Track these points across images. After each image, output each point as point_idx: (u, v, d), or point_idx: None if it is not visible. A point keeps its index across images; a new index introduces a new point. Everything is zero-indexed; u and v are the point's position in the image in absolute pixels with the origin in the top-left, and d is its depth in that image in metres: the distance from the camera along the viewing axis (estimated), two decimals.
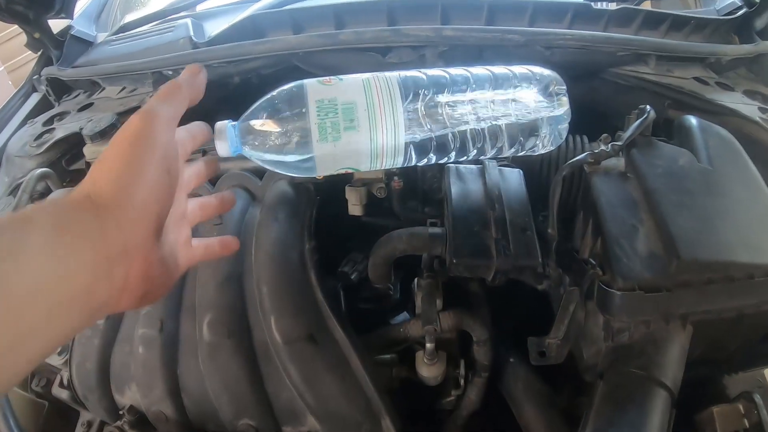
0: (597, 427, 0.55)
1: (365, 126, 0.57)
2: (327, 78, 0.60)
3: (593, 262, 0.63)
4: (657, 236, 0.61)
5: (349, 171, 0.62)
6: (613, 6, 0.88)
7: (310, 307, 0.60)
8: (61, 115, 1.00)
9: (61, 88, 1.07)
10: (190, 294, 0.67)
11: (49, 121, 0.99)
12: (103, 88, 1.01)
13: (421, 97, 0.60)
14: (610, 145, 0.68)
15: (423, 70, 0.62)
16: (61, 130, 0.94)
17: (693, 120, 0.76)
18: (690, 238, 0.60)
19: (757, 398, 0.61)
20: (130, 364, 0.68)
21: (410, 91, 0.59)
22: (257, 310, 0.62)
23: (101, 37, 1.12)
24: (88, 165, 0.92)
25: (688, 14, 0.92)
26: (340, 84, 0.59)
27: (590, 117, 0.73)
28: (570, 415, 0.71)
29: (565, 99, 0.67)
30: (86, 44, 1.10)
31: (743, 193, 0.68)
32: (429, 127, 0.61)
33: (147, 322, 0.67)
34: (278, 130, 0.59)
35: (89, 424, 0.84)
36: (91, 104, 0.98)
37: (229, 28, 0.87)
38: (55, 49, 1.08)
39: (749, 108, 0.84)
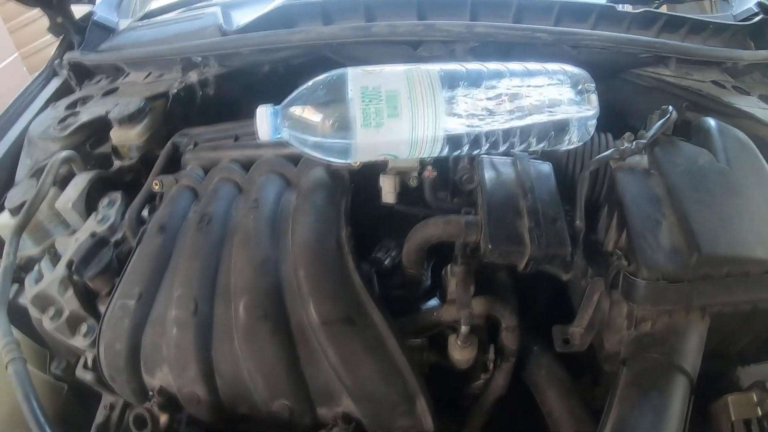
0: (621, 410, 0.59)
1: (407, 114, 0.60)
2: (369, 67, 0.63)
3: (619, 253, 0.67)
4: (679, 231, 0.66)
5: (388, 158, 0.66)
6: (634, 8, 0.92)
7: (348, 290, 0.63)
8: (85, 99, 1.02)
9: (82, 73, 1.09)
10: (224, 277, 0.69)
11: (73, 104, 1.02)
12: (128, 74, 1.03)
13: (460, 89, 0.64)
14: (634, 142, 0.72)
15: (462, 64, 0.65)
16: (87, 114, 0.96)
17: (712, 122, 0.81)
18: (710, 234, 0.65)
19: None
20: (161, 346, 0.69)
21: (450, 83, 0.63)
22: (294, 294, 0.65)
23: (123, 24, 1.14)
24: (115, 149, 0.94)
25: (706, 19, 0.97)
26: (383, 73, 0.62)
27: (608, 116, 0.77)
28: (588, 404, 0.75)
29: (594, 97, 0.71)
30: (108, 30, 1.12)
31: (759, 192, 0.72)
32: (466, 119, 0.64)
33: (181, 304, 0.68)
34: (321, 115, 0.62)
35: (112, 407, 0.85)
36: (116, 89, 1.00)
37: (260, 17, 0.91)
38: (77, 34, 1.10)
39: (764, 112, 0.89)
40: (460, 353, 0.65)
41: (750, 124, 0.88)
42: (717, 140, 0.78)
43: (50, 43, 1.16)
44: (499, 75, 0.66)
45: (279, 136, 0.65)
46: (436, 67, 0.63)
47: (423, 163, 0.71)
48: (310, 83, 0.64)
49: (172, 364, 0.68)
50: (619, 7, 0.91)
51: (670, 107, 0.76)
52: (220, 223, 0.73)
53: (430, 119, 0.61)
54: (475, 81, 0.65)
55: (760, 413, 0.65)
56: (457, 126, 0.64)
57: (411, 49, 0.83)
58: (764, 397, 0.66)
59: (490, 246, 0.61)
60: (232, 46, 0.86)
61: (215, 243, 0.72)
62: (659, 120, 0.76)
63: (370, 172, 0.74)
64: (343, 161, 0.65)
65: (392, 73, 0.62)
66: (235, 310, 0.66)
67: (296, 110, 0.64)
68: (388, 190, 0.71)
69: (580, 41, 0.82)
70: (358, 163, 0.71)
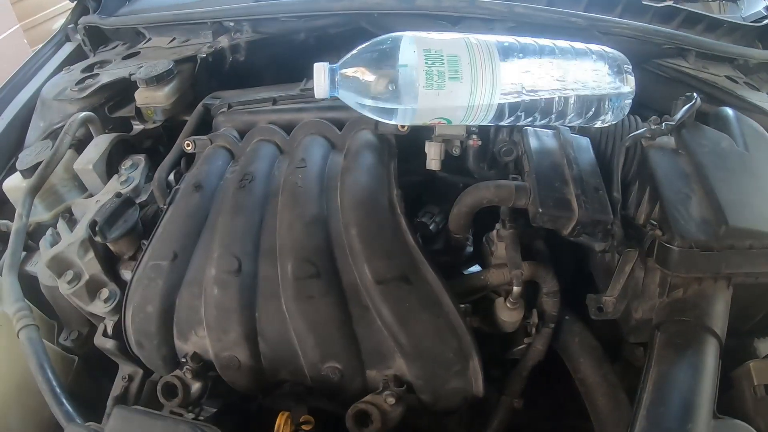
0: (660, 369, 0.64)
1: (468, 79, 0.64)
2: (429, 32, 0.66)
3: (654, 223, 0.72)
4: (707, 204, 0.71)
5: (442, 122, 0.69)
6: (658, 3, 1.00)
7: (402, 249, 0.65)
8: (102, 64, 1.01)
9: (98, 38, 1.08)
10: (268, 237, 0.69)
11: (89, 68, 1.00)
12: (149, 39, 1.03)
13: (514, 60, 0.68)
14: (664, 124, 0.78)
15: (516, 37, 0.70)
16: (107, 75, 0.95)
17: (730, 111, 0.88)
18: (735, 209, 0.71)
19: None
20: (199, 308, 0.67)
21: (506, 53, 0.67)
22: (345, 253, 0.66)
23: None
24: (138, 111, 0.94)
25: (721, 17, 1.05)
26: (443, 39, 0.66)
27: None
28: None
29: (631, 78, 0.77)
30: None
31: None
32: (518, 90, 0.68)
33: (222, 263, 0.67)
34: (380, 75, 0.65)
35: (131, 378, 0.83)
36: (137, 53, 1.00)
37: None
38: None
39: None
40: (509, 314, 0.68)
41: (760, 117, 0.96)
42: (735, 127, 0.85)
43: (52, 17, 1.14)
44: (548, 50, 0.71)
45: (335, 94, 0.67)
46: (492, 38, 0.67)
47: (469, 131, 0.75)
48: (369, 43, 0.67)
49: (211, 326, 0.66)
50: (643, 0, 0.97)
51: (695, 94, 0.82)
52: (263, 182, 0.74)
53: (488, 86, 0.65)
54: (527, 53, 0.69)
55: None
56: (509, 96, 0.68)
57: (450, 26, 0.87)
58: None
59: (540, 209, 0.64)
60: (270, 12, 0.88)
61: (258, 201, 0.73)
62: (684, 106, 0.82)
63: (415, 138, 0.77)
64: (398, 122, 0.67)
65: (452, 39, 0.65)
66: (282, 268, 0.66)
67: (354, 70, 0.66)
68: (433, 157, 0.74)
69: (612, 28, 0.88)
70: (406, 128, 0.74)
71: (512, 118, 0.71)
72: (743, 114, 0.91)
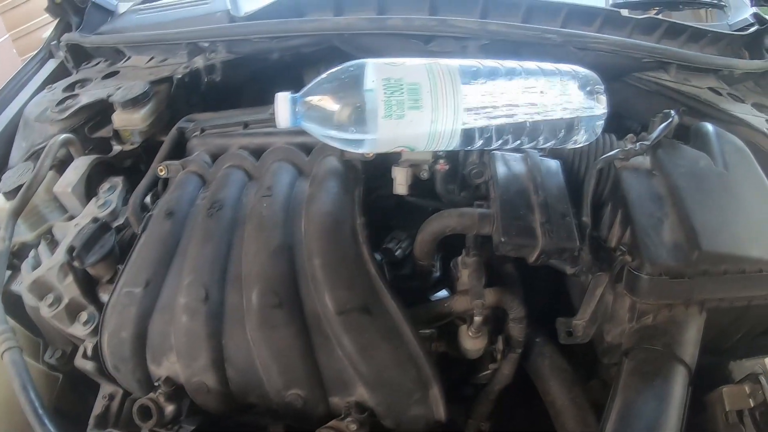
0: (626, 398, 0.62)
1: (428, 107, 0.62)
2: (391, 59, 0.65)
3: (624, 249, 0.70)
4: (680, 229, 0.69)
5: (405, 149, 0.67)
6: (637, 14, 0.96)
7: (363, 279, 0.65)
8: (83, 82, 1.01)
9: (80, 56, 1.08)
10: (235, 265, 0.70)
11: (70, 87, 1.00)
12: (129, 57, 1.02)
13: (477, 85, 0.66)
14: (638, 144, 0.76)
15: (479, 60, 0.68)
16: (86, 96, 0.95)
17: (710, 127, 0.85)
18: (710, 233, 0.69)
19: (763, 380, 0.69)
20: (170, 334, 0.68)
21: (468, 78, 0.65)
22: (308, 282, 0.65)
23: (122, 7, 1.13)
24: (116, 133, 0.93)
25: (705, 27, 1.01)
26: (405, 65, 0.64)
27: (609, 117, 0.81)
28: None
29: (603, 98, 0.74)
30: (107, 13, 1.11)
31: (754, 195, 0.77)
32: (482, 114, 0.67)
33: (191, 291, 0.68)
34: (341, 105, 0.64)
35: (111, 397, 0.84)
36: (116, 72, 0.99)
37: (270, 4, 0.91)
38: (75, 15, 1.08)
39: (758, 120, 0.94)
40: (471, 343, 0.67)
41: (744, 130, 0.93)
42: (715, 144, 0.82)
43: (41, 26, 1.14)
44: (514, 72, 0.69)
45: (297, 123, 0.66)
46: (455, 62, 0.65)
47: (436, 156, 0.73)
48: (330, 72, 0.65)
49: (181, 352, 0.67)
50: (624, 13, 0.94)
51: (672, 111, 0.80)
52: (231, 210, 0.74)
53: (450, 113, 0.63)
54: (492, 77, 0.67)
55: (752, 404, 0.69)
56: (474, 121, 0.66)
57: (422, 44, 0.85)
58: (756, 389, 0.70)
59: (503, 239, 0.63)
60: (243, 33, 0.86)
61: (226, 229, 0.72)
62: (661, 123, 0.80)
63: (382, 163, 0.76)
64: (360, 151, 0.66)
65: (414, 65, 0.63)
66: (247, 297, 0.66)
67: (316, 99, 0.65)
68: (400, 182, 0.73)
69: (588, 43, 0.85)
70: (371, 154, 0.72)
71: (480, 143, 0.69)
72: (726, 128, 0.88)
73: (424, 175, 0.74)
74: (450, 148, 0.68)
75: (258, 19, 0.89)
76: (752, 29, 1.02)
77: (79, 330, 0.82)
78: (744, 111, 0.94)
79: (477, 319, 0.64)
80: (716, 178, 0.77)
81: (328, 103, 0.64)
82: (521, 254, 0.65)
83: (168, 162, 0.83)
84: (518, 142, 0.72)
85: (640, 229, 0.69)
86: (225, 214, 0.73)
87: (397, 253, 0.74)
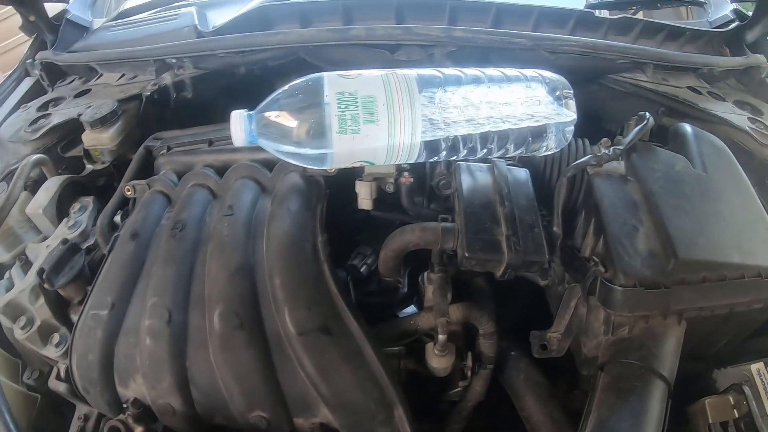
0: (600, 414, 0.58)
1: (384, 120, 0.58)
2: (346, 72, 0.61)
3: (596, 259, 0.66)
4: (656, 236, 0.65)
5: (364, 164, 0.64)
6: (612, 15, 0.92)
7: (324, 298, 0.62)
8: (56, 101, 0.98)
9: (55, 73, 1.05)
10: (198, 285, 0.67)
11: (44, 106, 0.98)
12: (101, 75, 0.99)
13: (437, 94, 0.62)
14: (612, 149, 0.71)
15: (439, 69, 0.64)
16: (58, 116, 0.92)
17: (688, 128, 0.80)
18: (687, 239, 0.64)
19: (747, 390, 0.65)
20: (135, 357, 0.66)
21: (427, 88, 0.61)
22: (269, 302, 0.63)
23: (97, 23, 1.10)
24: (86, 153, 0.91)
25: (683, 25, 0.97)
26: (360, 78, 0.61)
27: (585, 120, 0.77)
28: (565, 407, 0.74)
29: (572, 103, 0.70)
30: (82, 29, 1.08)
31: (735, 198, 0.72)
32: (443, 124, 0.63)
33: (154, 313, 0.66)
34: (296, 121, 0.60)
35: (86, 418, 0.82)
36: (88, 90, 0.96)
37: (236, 18, 0.88)
38: (50, 33, 1.06)
39: (739, 118, 0.90)
40: (437, 361, 0.63)
41: (726, 129, 0.89)
42: (693, 146, 0.78)
43: (22, 42, 1.11)
44: (476, 80, 0.65)
45: (253, 141, 0.63)
46: (413, 72, 0.62)
47: (400, 169, 0.69)
48: (285, 88, 0.62)
49: (147, 375, 0.65)
50: (597, 13, 0.90)
51: (647, 114, 0.76)
52: (194, 230, 0.71)
53: (407, 125, 0.59)
54: (452, 86, 0.63)
55: (736, 415, 0.65)
56: (435, 132, 0.62)
57: (389, 53, 0.81)
58: (740, 400, 0.66)
59: (466, 254, 0.59)
60: (208, 48, 0.83)
61: (189, 250, 0.69)
62: (636, 126, 0.75)
63: (347, 177, 0.72)
64: (317, 168, 0.63)
65: (369, 78, 0.60)
66: (209, 318, 0.64)
67: (271, 115, 0.62)
68: (364, 197, 0.69)
69: (559, 47, 0.81)
70: (333, 169, 0.69)
71: (443, 155, 0.65)
72: (706, 128, 0.84)
73: (390, 188, 0.71)
74: (412, 161, 0.64)
75: (224, 34, 0.86)
76: (732, 25, 0.97)
77: (51, 352, 0.80)
78: (725, 110, 0.89)
79: (441, 337, 0.60)
80: (694, 181, 0.73)
81: (283, 119, 0.61)
82: (487, 269, 0.62)
83: (135, 182, 0.80)
84: (485, 151, 0.68)
85: (612, 238, 0.65)
86: (188, 234, 0.70)
87: (362, 270, 0.71)
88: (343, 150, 0.59)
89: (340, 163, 0.62)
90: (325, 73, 0.61)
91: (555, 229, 0.67)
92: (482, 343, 0.67)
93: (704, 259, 0.64)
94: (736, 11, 1.02)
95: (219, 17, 0.93)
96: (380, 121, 0.58)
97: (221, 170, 0.76)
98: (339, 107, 0.58)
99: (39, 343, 0.81)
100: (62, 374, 0.79)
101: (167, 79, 0.89)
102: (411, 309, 0.71)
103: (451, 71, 0.64)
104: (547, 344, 0.69)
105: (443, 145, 0.65)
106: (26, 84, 1.06)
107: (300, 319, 0.60)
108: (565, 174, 0.69)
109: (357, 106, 0.58)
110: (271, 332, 0.63)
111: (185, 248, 0.69)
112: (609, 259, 0.64)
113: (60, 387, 0.78)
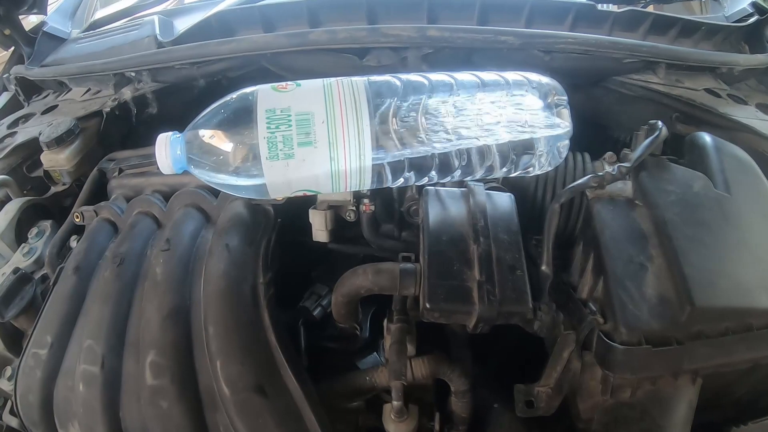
0: None
1: (323, 141, 0.44)
2: (283, 83, 0.46)
3: (593, 308, 0.50)
4: (668, 277, 0.49)
5: (308, 194, 0.49)
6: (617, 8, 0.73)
7: (261, 351, 0.48)
8: (27, 118, 0.87)
9: (30, 88, 0.94)
10: (134, 328, 0.55)
11: (14, 123, 0.87)
12: (69, 90, 0.87)
13: (393, 106, 0.46)
14: (616, 166, 0.54)
15: (397, 75, 0.48)
16: (22, 135, 0.81)
17: (707, 138, 0.62)
18: (705, 281, 0.48)
19: None
20: (72, 401, 0.56)
21: (381, 99, 0.46)
22: (204, 351, 0.50)
23: (75, 34, 0.98)
24: (47, 174, 0.79)
25: (698, 20, 0.77)
26: (297, 90, 0.46)
27: (588, 129, 0.61)
28: None
29: (565, 112, 0.53)
30: (59, 41, 0.96)
31: (764, 225, 0.55)
32: (403, 143, 0.47)
33: (88, 357, 0.55)
34: (226, 144, 0.46)
35: None
36: (55, 106, 0.85)
37: (194, 26, 0.74)
38: (27, 46, 0.94)
39: (764, 123, 0.70)
40: (395, 428, 0.49)
41: (748, 137, 0.70)
42: (714, 160, 0.60)
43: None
44: (444, 87, 0.49)
45: (182, 168, 0.49)
46: (363, 80, 0.46)
47: (359, 195, 0.54)
48: (214, 105, 0.48)
49: (81, 422, 0.55)
50: (600, 6, 0.72)
51: (659, 123, 0.58)
52: (134, 264, 0.58)
53: (353, 146, 0.44)
54: (414, 94, 0.48)
55: None
56: (392, 152, 0.47)
57: (357, 59, 0.66)
58: None
59: (428, 305, 0.44)
60: (161, 60, 0.70)
61: (127, 287, 0.57)
62: (646, 138, 0.58)
63: (303, 204, 0.58)
64: (253, 198, 0.49)
65: (306, 90, 0.45)
66: (141, 367, 0.52)
67: (198, 139, 0.47)
68: (318, 227, 0.55)
69: (554, 45, 0.64)
70: (281, 198, 0.54)
71: (410, 176, 0.50)
72: (727, 136, 0.65)
73: (350, 217, 0.56)
74: (368, 187, 0.49)
75: (181, 43, 0.72)
76: (751, 20, 0.78)
77: (5, 385, 0.70)
78: (747, 114, 0.71)
79: (395, 404, 0.45)
80: (715, 204, 0.55)
81: (212, 142, 0.47)
82: (455, 321, 0.46)
83: (84, 208, 0.68)
84: (459, 172, 0.52)
85: (614, 281, 0.49)
86: (127, 269, 0.58)
87: (315, 313, 0.56)
88: (276, 179, 0.45)
89: (278, 193, 0.47)
90: (259, 87, 0.46)
91: (544, 268, 0.51)
92: (454, 402, 0.52)
93: (726, 306, 0.48)
94: (754, 4, 0.82)
95: (185, 26, 0.79)
96: (318, 142, 0.43)
97: (169, 195, 0.63)
98: (269, 128, 0.43)
99: None
100: (15, 409, 0.69)
101: (127, 94, 0.76)
102: (374, 357, 0.56)
103: (412, 77, 0.48)
104: (534, 401, 0.53)
105: (405, 167, 0.49)
106: (4, 99, 0.96)
107: (232, 376, 0.47)
108: (557, 200, 0.53)
109: (290, 126, 0.43)
110: (204, 386, 0.50)
111: (122, 285, 0.57)
112: (609, 306, 0.48)
113: (13, 422, 0.68)
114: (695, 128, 0.68)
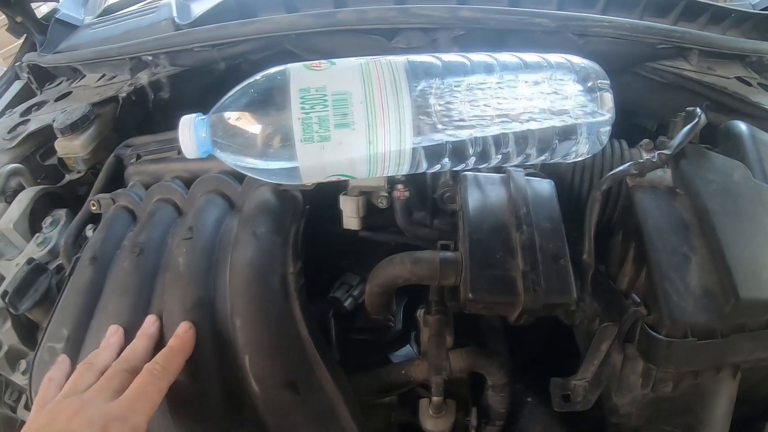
0: None
1: (362, 123, 0.40)
2: (315, 62, 0.42)
3: (637, 299, 0.47)
4: (712, 268, 0.46)
5: (342, 179, 0.45)
6: None
7: (292, 345, 0.45)
8: (39, 105, 0.83)
9: (43, 76, 0.90)
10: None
11: (27, 111, 0.83)
12: (84, 76, 0.83)
13: (434, 88, 0.43)
14: (656, 154, 0.51)
15: (437, 55, 0.45)
16: (35, 122, 0.77)
17: (743, 126, 0.59)
18: (749, 273, 0.45)
19: None
20: None
21: (420, 80, 0.42)
22: (231, 344, 0.46)
23: (89, 21, 0.94)
24: (61, 161, 0.75)
25: (727, 6, 0.73)
26: (332, 69, 0.42)
27: (617, 116, 0.57)
28: None
29: (608, 96, 0.50)
30: (72, 28, 0.92)
31: None
32: (443, 126, 0.44)
33: None
34: (255, 127, 0.42)
35: None
36: (69, 93, 0.81)
37: (213, 7, 0.70)
38: (39, 33, 0.90)
39: None
40: (433, 424, 0.46)
41: None
42: (751, 149, 0.57)
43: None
44: (487, 68, 0.46)
45: (208, 152, 0.45)
46: (401, 59, 0.42)
47: (393, 181, 0.51)
48: (243, 85, 0.45)
49: None
50: None
51: (698, 109, 0.54)
52: (154, 254, 0.54)
53: (392, 129, 0.41)
54: (455, 76, 0.44)
55: None
56: (432, 135, 0.43)
57: (385, 40, 0.62)
58: None
59: (471, 295, 0.41)
60: (179, 43, 0.66)
61: (147, 278, 0.53)
62: (684, 125, 0.54)
63: (333, 190, 0.54)
64: (285, 183, 0.45)
65: (342, 68, 0.41)
66: None
67: (227, 121, 0.44)
68: (349, 214, 0.51)
69: (589, 28, 0.60)
70: (311, 183, 0.50)
71: (447, 162, 0.46)
72: (759, 125, 0.62)
73: (382, 203, 0.52)
74: (405, 172, 0.45)
75: (200, 25, 0.68)
76: None
77: (19, 379, 0.67)
78: None
79: (436, 399, 0.42)
80: (755, 194, 0.52)
81: (241, 125, 0.43)
82: (497, 313, 0.43)
83: (100, 195, 0.64)
84: (499, 158, 0.48)
85: (659, 272, 0.46)
86: (146, 259, 0.54)
87: (346, 304, 0.53)
88: (310, 163, 0.41)
89: (312, 178, 0.44)
90: (290, 65, 0.42)
91: (585, 258, 0.47)
92: (491, 396, 0.49)
93: None
94: None
95: (203, 8, 0.74)
96: (356, 124, 0.40)
97: (190, 182, 0.59)
98: (303, 108, 0.40)
99: (7, 368, 0.68)
100: (30, 403, 0.66)
101: (143, 78, 0.72)
102: (407, 350, 0.53)
103: (453, 57, 0.45)
104: (571, 395, 0.50)
105: (445, 152, 0.45)
106: (16, 87, 0.92)
107: (262, 372, 0.44)
108: (599, 187, 0.49)
109: (326, 106, 0.40)
110: (231, 382, 0.46)
111: (141, 276, 0.53)
112: (654, 298, 0.45)
113: (27, 417, 0.66)
114: (726, 117, 0.65)
